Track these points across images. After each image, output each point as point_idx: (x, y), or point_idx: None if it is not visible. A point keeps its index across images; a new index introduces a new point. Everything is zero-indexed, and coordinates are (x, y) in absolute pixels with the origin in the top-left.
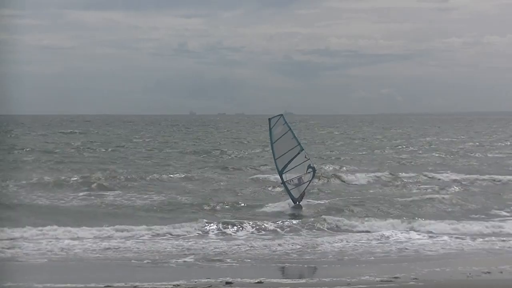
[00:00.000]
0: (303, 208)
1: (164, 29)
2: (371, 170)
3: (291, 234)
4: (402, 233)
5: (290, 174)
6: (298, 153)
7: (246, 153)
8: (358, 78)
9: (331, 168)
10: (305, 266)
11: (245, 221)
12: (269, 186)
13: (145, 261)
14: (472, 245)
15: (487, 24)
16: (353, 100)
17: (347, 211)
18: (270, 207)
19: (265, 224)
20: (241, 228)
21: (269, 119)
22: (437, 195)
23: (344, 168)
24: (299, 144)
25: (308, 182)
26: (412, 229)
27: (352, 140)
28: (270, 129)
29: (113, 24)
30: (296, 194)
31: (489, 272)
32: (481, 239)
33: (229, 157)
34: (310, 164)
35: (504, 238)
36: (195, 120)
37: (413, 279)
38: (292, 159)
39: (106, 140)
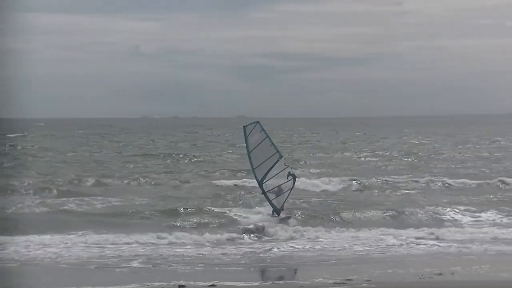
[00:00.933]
0: (291, 219)
1: (119, 32)
2: (332, 174)
3: (246, 239)
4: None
5: (270, 183)
6: (278, 160)
7: (206, 156)
8: (312, 81)
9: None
10: (259, 269)
11: (201, 226)
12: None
13: (94, 266)
14: (423, 248)
15: (440, 28)
16: (307, 104)
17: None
18: (241, 214)
19: (222, 229)
20: (196, 233)
21: (244, 127)
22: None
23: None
24: (278, 151)
25: (289, 191)
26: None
27: (308, 143)
28: (245, 137)
29: (68, 27)
30: (278, 204)
31: (441, 274)
32: (432, 242)
33: (187, 161)
34: (290, 172)
35: (458, 241)
36: (149, 123)
37: (366, 281)
38: (271, 168)
39: (51, 145)
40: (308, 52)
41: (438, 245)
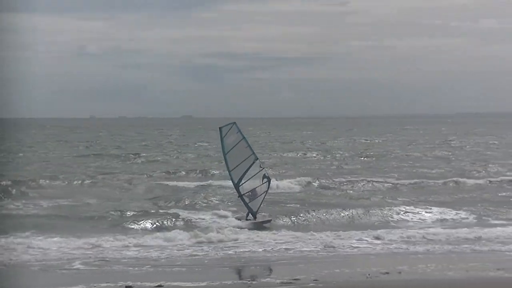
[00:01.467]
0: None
1: (66, 32)
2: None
3: (194, 240)
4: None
5: (246, 186)
6: (253, 162)
7: (157, 157)
8: (261, 81)
9: None
10: (207, 270)
11: (150, 227)
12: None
13: (37, 268)
14: (370, 248)
15: (386, 28)
16: (256, 103)
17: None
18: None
19: (171, 230)
20: (145, 234)
21: (220, 128)
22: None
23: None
24: (253, 153)
25: (264, 194)
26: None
27: (258, 143)
28: (221, 139)
29: (13, 26)
30: (254, 208)
31: (387, 273)
32: (379, 241)
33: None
34: (265, 174)
35: (405, 241)
36: (97, 123)
37: (313, 280)
38: (247, 170)
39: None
40: (257, 52)
41: (385, 245)
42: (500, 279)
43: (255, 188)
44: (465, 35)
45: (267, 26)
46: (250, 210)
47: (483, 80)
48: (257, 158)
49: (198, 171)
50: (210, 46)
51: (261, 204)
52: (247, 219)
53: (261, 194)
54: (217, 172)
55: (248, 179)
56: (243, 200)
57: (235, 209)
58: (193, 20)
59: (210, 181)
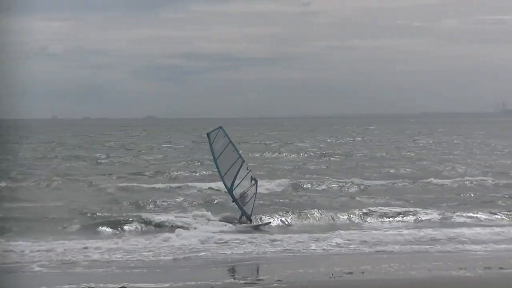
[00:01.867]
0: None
1: (27, 32)
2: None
3: (158, 241)
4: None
5: (238, 190)
6: (241, 165)
7: (123, 158)
8: (225, 81)
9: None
10: (170, 271)
11: (115, 229)
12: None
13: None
14: (334, 248)
15: (349, 28)
16: (220, 104)
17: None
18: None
19: (135, 232)
20: (110, 236)
21: (208, 134)
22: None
23: None
24: (240, 156)
25: (254, 196)
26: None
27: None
28: (210, 145)
29: None
30: (248, 210)
31: (351, 273)
32: (342, 241)
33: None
34: (252, 176)
35: (369, 242)
36: (60, 124)
37: (277, 281)
38: (237, 173)
39: None
40: (220, 52)
41: (349, 245)
42: (462, 278)
43: (245, 192)
44: (428, 35)
45: (231, 26)
46: (245, 214)
47: (445, 80)
48: (244, 161)
49: (164, 172)
50: (174, 47)
51: (253, 207)
52: (240, 222)
53: (251, 197)
54: (183, 173)
55: (239, 183)
56: (238, 204)
57: (208, 212)
58: (157, 21)
59: (178, 184)
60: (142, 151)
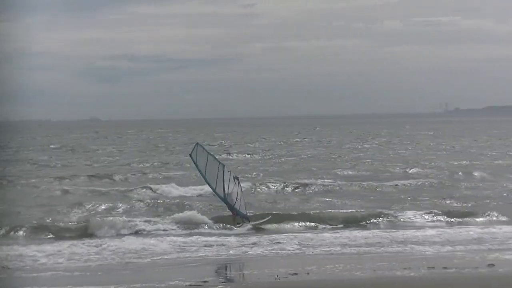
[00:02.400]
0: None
1: None
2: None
3: (99, 242)
4: (216, 237)
5: (231, 196)
6: (223, 170)
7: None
8: (165, 83)
9: None
10: (114, 273)
11: (57, 233)
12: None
13: None
14: (279, 250)
15: (289, 30)
16: (159, 105)
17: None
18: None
19: (77, 236)
20: (52, 241)
21: (190, 155)
22: None
23: None
24: (219, 161)
25: (242, 194)
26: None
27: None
28: (195, 164)
29: None
30: (243, 210)
31: (296, 274)
32: (288, 242)
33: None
34: (233, 176)
35: (315, 244)
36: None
37: (222, 282)
38: (223, 180)
39: None
40: (160, 54)
41: (294, 247)
42: (406, 278)
43: (236, 194)
44: (369, 36)
45: (172, 28)
46: (243, 216)
47: (386, 81)
48: (223, 165)
49: (111, 175)
50: (115, 48)
51: (245, 205)
52: (242, 225)
53: (240, 197)
54: (129, 176)
55: (228, 188)
56: (235, 209)
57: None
58: (98, 22)
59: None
60: (87, 154)
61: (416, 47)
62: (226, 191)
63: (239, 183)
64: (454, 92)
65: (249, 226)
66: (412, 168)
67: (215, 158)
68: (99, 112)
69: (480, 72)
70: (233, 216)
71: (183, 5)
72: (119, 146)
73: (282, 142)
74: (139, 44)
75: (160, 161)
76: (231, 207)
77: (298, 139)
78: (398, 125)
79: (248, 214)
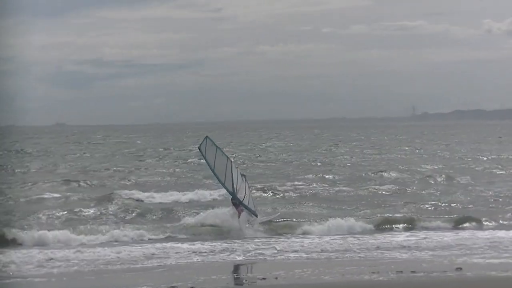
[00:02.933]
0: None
1: None
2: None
3: (53, 247)
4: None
5: (240, 191)
6: (232, 166)
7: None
8: (132, 87)
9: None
10: (77, 279)
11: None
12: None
13: None
14: (246, 255)
15: (258, 34)
16: (128, 110)
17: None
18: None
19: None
20: None
21: (199, 148)
22: None
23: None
24: (228, 157)
25: (249, 192)
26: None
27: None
28: (204, 157)
29: None
30: (252, 207)
31: (264, 278)
32: (252, 247)
33: None
34: (241, 172)
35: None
36: None
37: (190, 287)
38: (232, 176)
39: None
40: (128, 59)
41: (264, 252)
42: (375, 282)
43: (244, 191)
44: (337, 41)
45: (140, 32)
46: (252, 212)
47: (355, 85)
48: (231, 160)
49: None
50: (83, 53)
51: (253, 201)
52: (252, 223)
53: (248, 193)
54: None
55: (236, 182)
56: (244, 205)
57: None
58: (62, 27)
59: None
60: (54, 159)
61: (384, 51)
62: (235, 186)
63: (246, 179)
64: (422, 96)
65: (257, 222)
66: (384, 172)
67: (224, 152)
68: (65, 117)
69: (448, 76)
70: (238, 213)
71: (151, 10)
72: (87, 151)
73: (253, 146)
74: (107, 49)
75: (127, 166)
76: (240, 202)
77: (269, 144)
78: (368, 129)
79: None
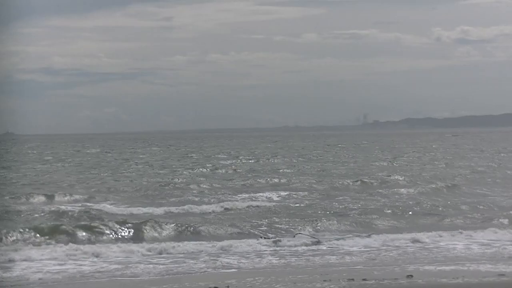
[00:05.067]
0: None
1: None
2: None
3: None
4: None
5: None
6: None
7: None
8: (83, 97)
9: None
10: None
11: None
12: None
13: None
14: (196, 263)
15: (209, 43)
16: (78, 119)
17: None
18: None
19: None
20: None
21: None
22: None
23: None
24: None
25: None
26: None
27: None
28: None
29: None
30: None
31: (216, 287)
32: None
33: None
34: None
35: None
36: None
37: None
38: None
39: None
40: (77, 68)
41: (214, 260)
42: None
43: None
44: (290, 49)
45: (90, 41)
46: None
47: (307, 93)
48: None
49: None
50: (31, 62)
51: None
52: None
53: None
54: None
55: None
56: None
57: None
58: (12, 36)
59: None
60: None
61: (336, 59)
62: None
63: None
64: (373, 104)
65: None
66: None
67: None
68: (13, 126)
69: (399, 84)
70: None
71: (101, 19)
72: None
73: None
74: (57, 58)
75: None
76: None
77: (224, 155)
78: (321, 137)
79: None
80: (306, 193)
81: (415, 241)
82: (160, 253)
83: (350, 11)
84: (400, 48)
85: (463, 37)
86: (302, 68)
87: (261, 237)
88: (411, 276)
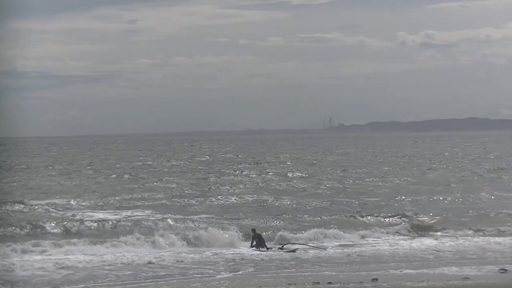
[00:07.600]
0: None
1: None
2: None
3: None
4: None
5: None
6: None
7: None
8: (46, 100)
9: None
10: None
11: None
12: None
13: None
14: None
15: (174, 46)
16: (41, 123)
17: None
18: None
19: None
20: None
21: None
22: None
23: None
24: None
25: None
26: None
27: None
28: None
29: None
30: None
31: None
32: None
33: None
34: None
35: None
36: None
37: None
38: None
39: None
40: (40, 70)
41: (177, 267)
42: None
43: None
44: (254, 53)
45: (52, 44)
46: None
47: (271, 97)
48: None
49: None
50: None
51: None
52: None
53: None
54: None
55: None
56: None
57: None
58: None
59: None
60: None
61: (301, 63)
62: None
63: None
64: (339, 107)
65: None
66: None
67: None
68: None
69: (364, 88)
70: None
71: (66, 22)
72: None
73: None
74: (19, 60)
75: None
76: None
77: (190, 160)
78: (288, 140)
79: None
80: None
81: None
82: None
83: (314, 15)
84: (365, 51)
85: (428, 41)
86: (267, 71)
87: None
88: (376, 279)
